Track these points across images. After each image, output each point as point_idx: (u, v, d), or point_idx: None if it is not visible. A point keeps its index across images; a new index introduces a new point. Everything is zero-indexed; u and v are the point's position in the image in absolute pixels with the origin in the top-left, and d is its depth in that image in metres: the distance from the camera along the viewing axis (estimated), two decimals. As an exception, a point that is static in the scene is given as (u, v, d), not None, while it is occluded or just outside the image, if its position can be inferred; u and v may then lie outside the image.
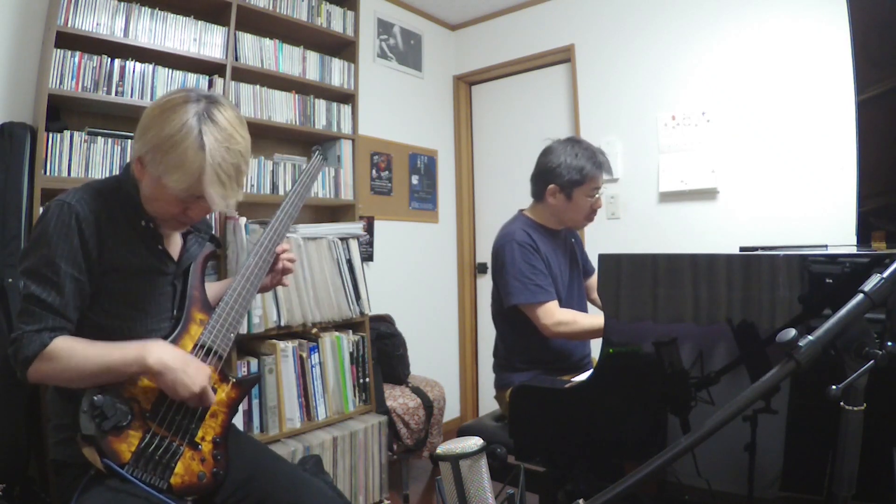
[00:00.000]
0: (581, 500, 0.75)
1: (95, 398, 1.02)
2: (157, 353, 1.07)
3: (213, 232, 1.45)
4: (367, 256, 3.04)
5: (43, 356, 1.02)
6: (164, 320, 1.21)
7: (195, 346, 1.18)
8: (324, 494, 1.27)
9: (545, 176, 1.80)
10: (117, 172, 1.85)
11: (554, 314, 1.67)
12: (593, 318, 1.69)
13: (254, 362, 2.05)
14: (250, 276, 1.27)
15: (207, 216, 1.34)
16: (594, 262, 1.96)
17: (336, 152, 2.62)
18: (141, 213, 1.18)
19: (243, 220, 2.05)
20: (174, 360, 1.08)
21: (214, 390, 1.18)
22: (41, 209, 1.68)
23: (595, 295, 2.06)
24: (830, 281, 1.01)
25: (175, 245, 1.28)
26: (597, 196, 1.79)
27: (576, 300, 1.87)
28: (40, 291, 1.04)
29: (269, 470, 1.29)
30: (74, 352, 1.03)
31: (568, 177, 1.74)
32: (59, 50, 1.75)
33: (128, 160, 1.27)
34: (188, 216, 1.16)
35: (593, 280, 2.08)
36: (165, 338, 1.16)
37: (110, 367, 1.04)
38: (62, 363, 1.02)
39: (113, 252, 1.12)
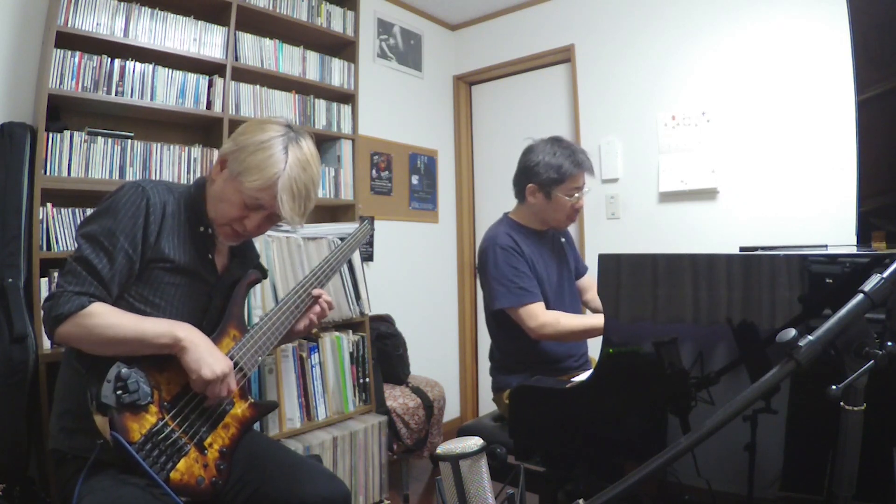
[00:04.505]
0: (581, 500, 0.75)
1: (122, 371, 1.04)
2: (188, 329, 1.13)
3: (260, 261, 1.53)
4: (367, 256, 3.04)
5: (79, 315, 1.05)
6: (193, 326, 1.22)
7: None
8: (318, 473, 1.31)
9: (525, 175, 1.79)
10: (117, 173, 1.88)
11: (538, 316, 1.65)
12: (578, 318, 1.68)
13: (254, 362, 2.05)
14: (286, 311, 1.35)
15: (255, 247, 1.47)
16: (593, 263, 1.97)
17: (336, 152, 2.62)
18: (202, 219, 1.24)
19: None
20: (202, 340, 1.13)
21: (232, 403, 1.24)
22: (41, 208, 1.70)
23: (588, 296, 2.04)
24: (830, 281, 1.01)
25: (221, 261, 1.33)
26: (577, 196, 1.76)
27: (567, 302, 1.85)
28: (93, 257, 1.09)
29: (267, 457, 1.32)
30: (109, 317, 1.07)
31: (546, 175, 1.73)
32: (59, 50, 1.75)
33: (180, 166, 1.40)
34: (244, 225, 1.22)
35: (586, 280, 2.06)
36: None
37: (142, 336, 1.08)
38: (96, 326, 1.05)
39: (166, 243, 1.17)
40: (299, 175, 1.19)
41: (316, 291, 1.41)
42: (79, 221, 1.74)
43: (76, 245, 1.12)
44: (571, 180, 1.73)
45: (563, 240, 1.97)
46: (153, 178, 1.97)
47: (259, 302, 2.08)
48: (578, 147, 1.79)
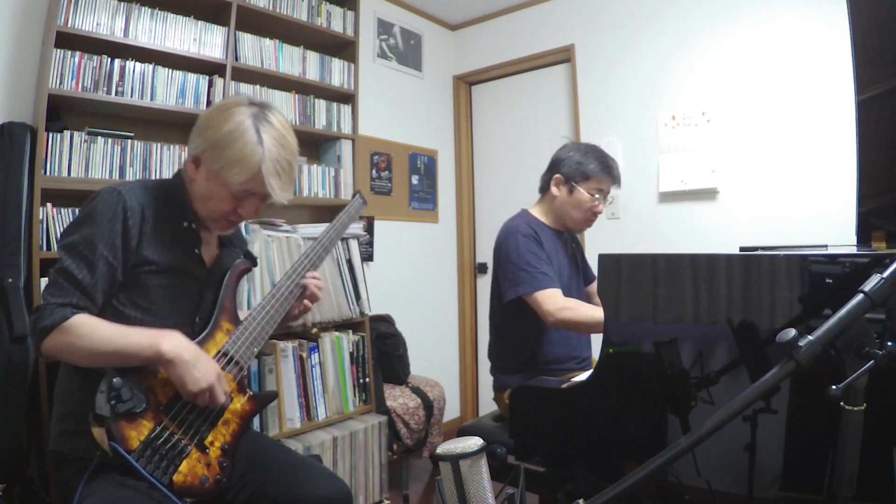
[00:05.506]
0: (581, 500, 0.75)
1: (114, 380, 1.03)
2: (173, 342, 1.10)
3: (247, 247, 1.50)
4: (367, 256, 3.04)
5: (62, 329, 1.04)
6: (186, 325, 1.22)
7: (218, 352, 1.21)
8: (319, 473, 1.31)
9: (554, 166, 1.86)
10: (117, 173, 1.87)
11: (557, 300, 1.66)
12: (596, 308, 1.69)
13: (254, 362, 2.05)
14: (280, 298, 1.32)
15: (243, 232, 1.42)
16: (593, 263, 1.97)
17: (336, 152, 2.62)
18: (186, 214, 1.22)
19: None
20: (187, 352, 1.10)
21: (230, 399, 1.21)
22: (41, 208, 1.70)
23: (594, 302, 2.05)
24: (830, 281, 1.01)
25: (210, 254, 1.31)
26: (598, 197, 1.79)
27: None
28: (74, 267, 1.08)
29: (268, 457, 1.31)
30: (93, 329, 1.06)
31: (575, 168, 1.79)
32: (59, 50, 1.75)
33: (179, 166, 1.37)
34: (238, 214, 1.21)
35: (593, 287, 2.07)
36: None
37: (125, 349, 1.06)
38: (79, 338, 1.04)
39: (150, 245, 1.15)
40: (280, 154, 1.16)
41: (310, 274, 1.38)
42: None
43: (59, 257, 1.11)
44: (596, 180, 1.78)
45: (574, 244, 2.00)
46: (153, 178, 1.97)
47: (260, 297, 2.08)
48: (610, 156, 1.84)
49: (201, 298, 1.27)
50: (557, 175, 1.82)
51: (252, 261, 1.41)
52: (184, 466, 1.09)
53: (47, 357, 1.11)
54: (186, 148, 1.20)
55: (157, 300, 1.18)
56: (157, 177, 1.98)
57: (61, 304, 1.06)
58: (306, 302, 1.40)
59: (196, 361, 1.10)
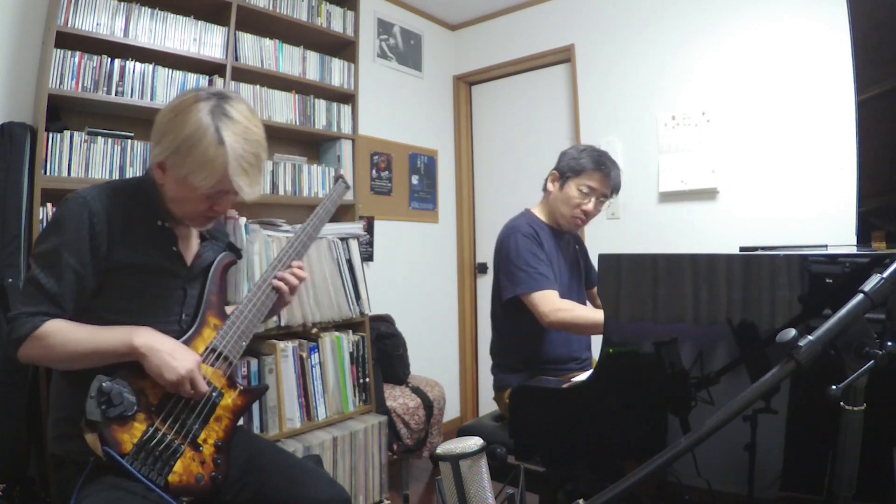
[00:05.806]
0: (581, 500, 0.75)
1: (104, 385, 1.03)
2: (145, 335, 1.09)
3: (231, 240, 1.47)
4: (367, 256, 3.04)
5: (34, 337, 1.05)
6: (171, 323, 1.21)
7: (206, 349, 1.20)
8: (319, 478, 1.30)
9: (555, 165, 1.87)
10: (117, 172, 1.87)
11: (553, 301, 1.67)
12: (594, 311, 1.69)
13: (254, 362, 2.05)
14: (266, 289, 1.30)
15: (223, 224, 1.39)
16: (594, 263, 1.98)
17: (336, 152, 2.62)
18: (159, 213, 1.21)
19: (243, 219, 2.05)
20: (161, 343, 1.10)
21: (221, 395, 1.20)
22: (41, 208, 1.70)
23: (597, 305, 2.05)
24: (830, 281, 1.01)
25: (190, 249, 1.29)
26: (587, 193, 1.78)
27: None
28: (42, 276, 1.08)
29: (266, 460, 1.30)
30: (65, 333, 1.06)
31: (567, 164, 1.82)
32: (59, 50, 1.75)
33: (147, 165, 1.35)
34: (215, 211, 1.20)
35: (595, 291, 2.08)
36: (178, 339, 1.17)
37: (98, 348, 1.06)
38: (53, 344, 1.05)
39: (123, 249, 1.14)
40: (244, 149, 1.11)
41: (295, 263, 1.36)
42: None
43: (29, 266, 1.11)
44: (586, 176, 1.78)
45: (577, 246, 2.00)
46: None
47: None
48: (612, 160, 1.83)
49: (185, 295, 1.25)
50: (554, 171, 1.85)
51: (236, 253, 1.40)
52: (178, 466, 1.09)
53: (27, 364, 1.11)
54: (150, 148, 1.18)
55: (139, 301, 1.17)
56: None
57: (32, 314, 1.06)
58: (289, 296, 1.36)
59: (172, 351, 1.10)
